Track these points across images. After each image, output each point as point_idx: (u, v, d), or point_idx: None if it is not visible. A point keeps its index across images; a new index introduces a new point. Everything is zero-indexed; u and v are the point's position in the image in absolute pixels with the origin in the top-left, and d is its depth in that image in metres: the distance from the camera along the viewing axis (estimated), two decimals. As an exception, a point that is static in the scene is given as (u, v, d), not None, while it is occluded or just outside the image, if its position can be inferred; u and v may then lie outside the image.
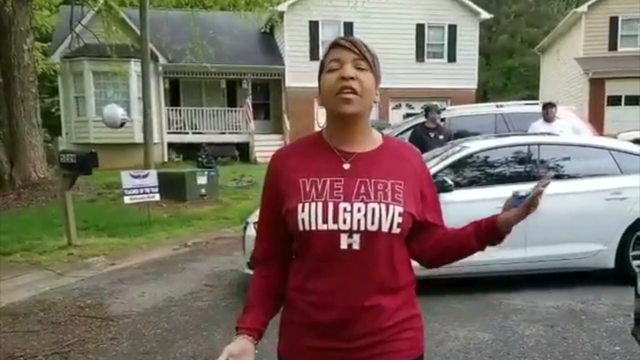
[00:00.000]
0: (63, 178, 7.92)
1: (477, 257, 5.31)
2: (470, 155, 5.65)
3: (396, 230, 1.50)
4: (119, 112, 16.44)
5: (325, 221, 1.48)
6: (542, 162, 5.57)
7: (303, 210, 1.49)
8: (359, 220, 1.48)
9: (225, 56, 19.60)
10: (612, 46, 22.42)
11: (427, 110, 8.38)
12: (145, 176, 8.92)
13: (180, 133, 20.97)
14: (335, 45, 1.55)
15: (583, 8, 22.81)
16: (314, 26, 21.31)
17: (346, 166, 1.54)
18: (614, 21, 22.35)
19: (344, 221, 1.48)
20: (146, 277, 6.46)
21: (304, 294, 1.56)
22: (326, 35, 21.48)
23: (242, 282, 5.95)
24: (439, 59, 22.45)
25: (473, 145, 5.75)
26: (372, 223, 1.48)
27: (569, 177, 5.57)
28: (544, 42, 28.00)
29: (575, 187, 5.45)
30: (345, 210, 1.48)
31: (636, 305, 3.25)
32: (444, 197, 5.22)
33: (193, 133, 20.88)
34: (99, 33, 16.39)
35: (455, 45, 22.43)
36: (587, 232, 5.35)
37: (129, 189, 8.69)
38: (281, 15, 20.82)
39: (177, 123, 21.10)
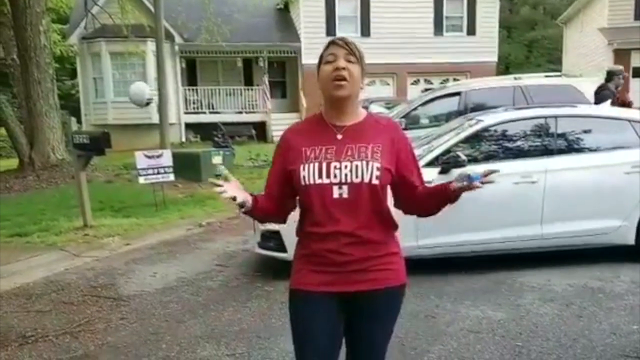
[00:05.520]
0: (77, 159, 7.93)
1: (493, 234, 5.19)
2: (485, 129, 5.48)
3: (375, 181, 1.95)
4: (145, 90, 16.49)
5: (320, 176, 1.95)
6: (560, 135, 5.39)
7: (304, 169, 1.96)
8: (346, 175, 1.94)
9: (240, 34, 19.45)
10: (638, 15, 21.68)
11: (611, 74, 7.87)
12: (159, 156, 8.88)
13: (197, 113, 20.95)
14: (332, 43, 2.01)
15: (608, -24, 22.11)
16: (330, 1, 21.00)
17: (339, 136, 2.01)
18: (640, -11, 21.60)
19: (335, 176, 1.94)
20: (159, 257, 6.46)
21: (310, 234, 2.02)
22: (343, 10, 21.19)
23: (253, 262, 5.92)
24: (458, 32, 22.01)
25: (487, 119, 5.59)
26: (357, 176, 1.94)
27: (587, 150, 5.39)
28: (567, 13, 27.27)
29: (593, 160, 5.28)
30: (335, 167, 1.95)
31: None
32: (458, 173, 5.09)
33: (210, 113, 20.83)
34: (115, 13, 16.36)
35: (475, 18, 21.95)
36: (606, 207, 5.19)
37: (143, 169, 8.66)
38: (297, -10, 20.58)
39: (194, 103, 21.10)
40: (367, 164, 1.93)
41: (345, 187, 1.93)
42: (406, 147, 2.07)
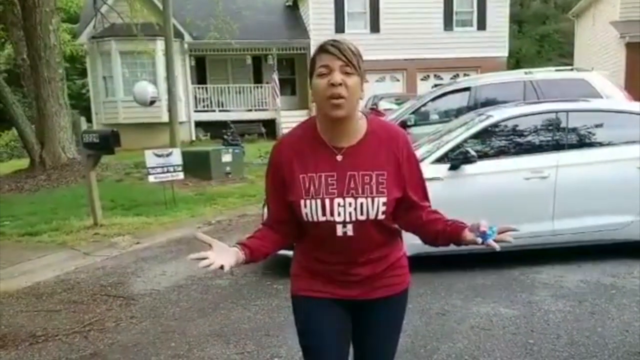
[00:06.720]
0: (87, 158, 7.96)
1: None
2: (495, 125, 5.42)
3: (381, 217, 1.84)
4: (149, 89, 16.50)
5: (324, 214, 1.83)
6: (571, 130, 5.32)
7: (305, 206, 1.83)
8: (350, 213, 1.83)
9: (249, 32, 19.47)
10: (651, 8, 21.40)
11: None
12: (169, 155, 8.89)
13: (207, 111, 21.00)
14: (324, 51, 1.76)
15: (620, -32, 21.81)
16: (339, -3, 20.94)
17: (339, 157, 1.84)
18: (653, -19, 21.29)
19: (339, 214, 1.83)
20: (169, 255, 6.46)
21: (313, 256, 1.96)
22: (352, 6, 21.12)
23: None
24: (468, 27, 21.87)
25: (497, 114, 5.53)
26: (362, 214, 1.83)
27: (599, 144, 5.31)
28: (579, 7, 26.95)
29: (605, 155, 5.19)
30: (339, 205, 1.82)
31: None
32: (468, 169, 5.05)
33: (220, 111, 20.87)
34: (124, 12, 16.40)
35: (485, 13, 21.80)
36: (618, 202, 5.11)
37: (153, 167, 8.67)
38: (306, -13, 20.54)
39: (203, 101, 21.14)
40: (373, 201, 1.81)
41: (349, 226, 1.84)
42: (411, 162, 1.91)
